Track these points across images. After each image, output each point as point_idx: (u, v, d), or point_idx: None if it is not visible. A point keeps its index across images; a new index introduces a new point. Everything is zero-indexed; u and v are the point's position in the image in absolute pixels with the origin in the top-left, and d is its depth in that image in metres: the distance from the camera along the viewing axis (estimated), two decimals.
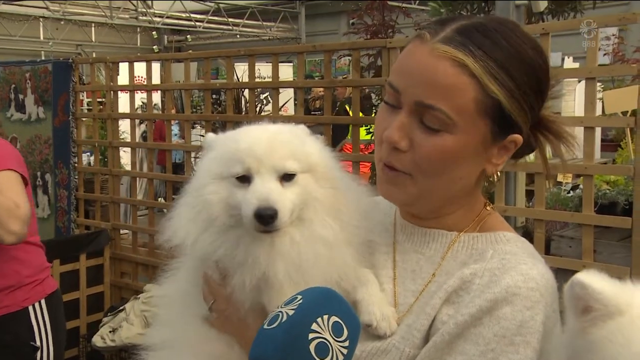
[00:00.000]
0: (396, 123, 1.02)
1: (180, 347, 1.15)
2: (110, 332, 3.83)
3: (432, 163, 1.01)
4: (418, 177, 1.03)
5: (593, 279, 0.73)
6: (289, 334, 0.84)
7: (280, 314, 0.87)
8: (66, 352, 4.01)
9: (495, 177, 1.10)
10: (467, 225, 1.10)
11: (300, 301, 0.88)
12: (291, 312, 0.86)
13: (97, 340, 3.85)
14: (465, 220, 1.10)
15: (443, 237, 1.10)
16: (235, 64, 4.07)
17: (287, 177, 1.07)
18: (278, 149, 1.08)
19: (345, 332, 0.87)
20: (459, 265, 1.06)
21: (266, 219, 1.01)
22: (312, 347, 0.84)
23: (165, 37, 19.21)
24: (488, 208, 1.13)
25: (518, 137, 1.05)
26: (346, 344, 0.87)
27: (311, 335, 0.84)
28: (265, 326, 0.87)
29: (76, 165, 4.67)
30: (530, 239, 2.82)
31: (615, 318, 0.70)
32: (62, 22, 15.75)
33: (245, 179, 1.06)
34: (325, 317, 0.86)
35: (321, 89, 8.57)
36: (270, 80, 4.18)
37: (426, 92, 0.99)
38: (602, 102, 3.78)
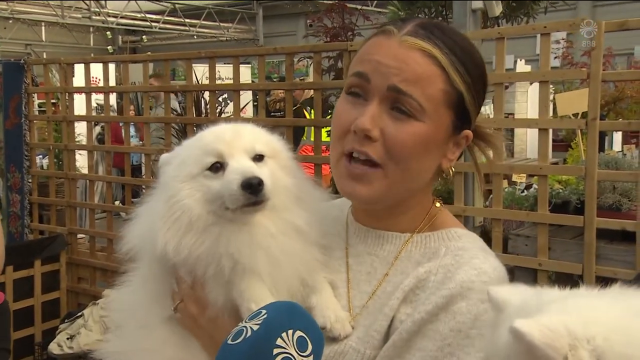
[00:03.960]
0: (367, 112, 1.03)
1: (141, 354, 1.14)
2: (67, 339, 3.73)
3: (404, 150, 1.03)
4: (389, 168, 1.04)
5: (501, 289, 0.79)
6: (254, 349, 0.84)
7: (244, 328, 0.87)
8: None
9: (451, 172, 1.13)
10: (419, 224, 1.13)
11: (265, 316, 0.88)
12: (256, 327, 0.86)
13: (53, 347, 3.75)
14: (417, 220, 1.13)
15: (396, 239, 1.12)
16: (194, 65, 4.03)
17: (257, 158, 1.10)
18: (244, 133, 1.12)
19: (310, 347, 0.88)
20: (413, 264, 1.08)
21: (255, 187, 1.03)
22: None
23: (120, 37, 18.82)
24: (437, 204, 1.16)
25: (470, 133, 1.10)
26: (310, 358, 0.87)
27: (276, 351, 0.84)
28: (230, 341, 0.86)
29: (30, 168, 4.53)
30: (488, 238, 2.89)
31: (498, 315, 0.76)
32: (10, 21, 15.24)
33: (218, 168, 1.08)
34: (290, 332, 0.86)
35: (282, 91, 8.56)
36: (229, 81, 4.16)
37: (399, 79, 1.01)
38: (554, 104, 3.92)
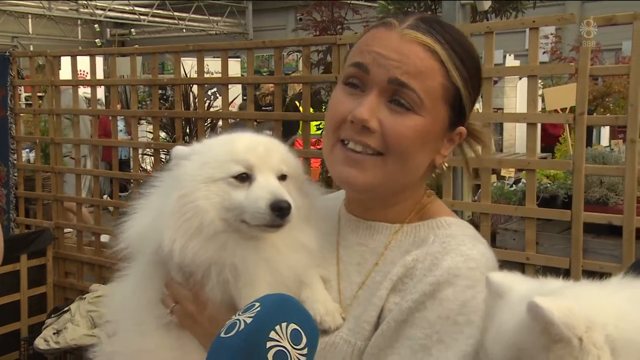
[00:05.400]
0: (366, 103, 1.02)
1: (138, 355, 1.13)
2: (54, 333, 3.70)
3: (402, 143, 1.03)
4: (389, 159, 1.04)
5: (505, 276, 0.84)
6: (247, 342, 0.83)
7: (237, 322, 0.86)
8: (6, 355, 3.87)
9: (444, 167, 1.13)
10: (409, 215, 1.13)
11: (258, 309, 0.87)
12: (249, 320, 0.85)
13: (40, 342, 3.71)
14: (409, 212, 1.13)
15: (387, 229, 1.12)
16: (182, 58, 4.00)
17: (281, 177, 1.10)
18: (274, 150, 1.12)
19: (304, 340, 0.87)
20: (402, 254, 1.08)
21: (284, 210, 1.02)
22: (270, 355, 0.83)
23: (108, 30, 18.67)
24: (428, 196, 1.16)
25: (463, 130, 1.11)
26: (304, 351, 0.86)
27: (269, 344, 0.83)
28: (222, 334, 0.85)
29: (16, 162, 4.49)
30: None
31: (497, 301, 0.79)
32: None
33: (244, 178, 1.07)
34: (284, 324, 0.86)
35: (271, 85, 8.53)
36: (218, 75, 4.13)
37: (400, 72, 1.01)
38: (543, 99, 3.94)
